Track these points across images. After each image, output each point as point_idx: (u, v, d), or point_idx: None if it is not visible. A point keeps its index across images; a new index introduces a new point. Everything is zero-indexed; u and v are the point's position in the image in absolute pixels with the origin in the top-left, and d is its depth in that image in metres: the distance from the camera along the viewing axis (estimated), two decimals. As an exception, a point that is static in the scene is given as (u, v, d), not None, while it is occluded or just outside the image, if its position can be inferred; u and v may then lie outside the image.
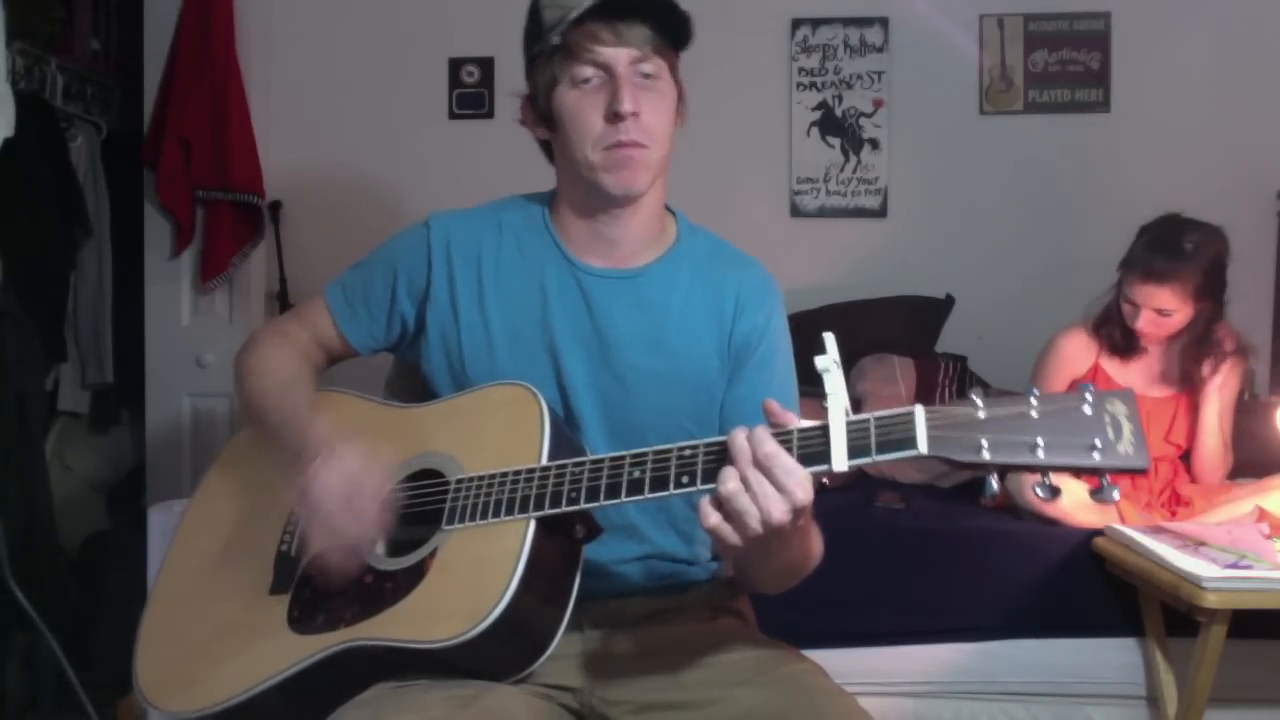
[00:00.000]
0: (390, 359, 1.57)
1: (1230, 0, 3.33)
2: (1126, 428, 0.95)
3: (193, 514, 1.39)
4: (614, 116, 1.25)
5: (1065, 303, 2.53)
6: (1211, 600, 1.76)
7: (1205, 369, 2.35)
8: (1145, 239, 2.34)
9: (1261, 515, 2.11)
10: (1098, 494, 0.97)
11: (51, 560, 2.63)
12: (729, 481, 1.01)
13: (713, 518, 1.02)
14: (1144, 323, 2.33)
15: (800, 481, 1.00)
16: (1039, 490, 0.98)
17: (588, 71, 1.26)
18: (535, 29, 1.31)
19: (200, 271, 3.24)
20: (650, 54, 1.27)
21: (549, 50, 1.27)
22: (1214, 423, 2.38)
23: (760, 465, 1.01)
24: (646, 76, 1.27)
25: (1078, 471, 0.96)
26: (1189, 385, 2.40)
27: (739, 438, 1.02)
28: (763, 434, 1.02)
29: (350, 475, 1.16)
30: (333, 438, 1.20)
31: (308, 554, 1.21)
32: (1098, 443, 0.94)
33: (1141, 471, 0.95)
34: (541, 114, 1.33)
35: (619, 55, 1.25)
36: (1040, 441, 0.95)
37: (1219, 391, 2.38)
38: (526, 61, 1.34)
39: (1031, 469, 0.97)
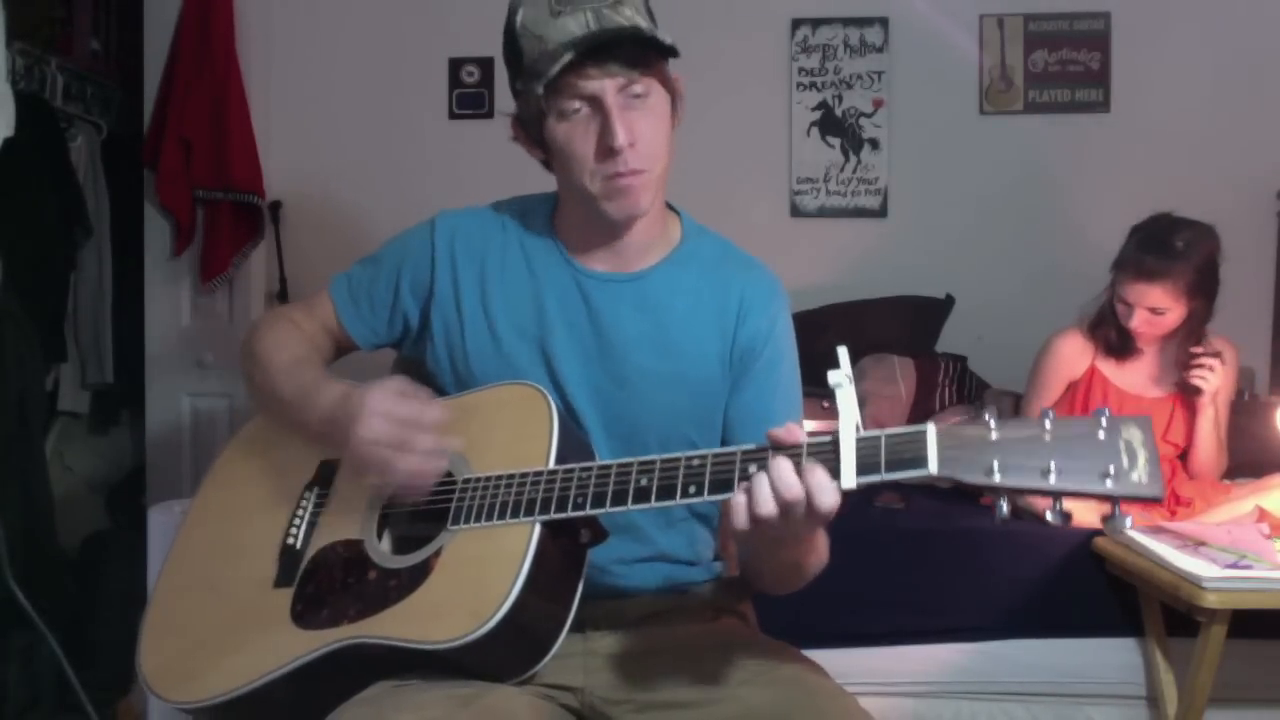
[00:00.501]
0: (390, 358, 1.57)
1: (1230, 0, 3.33)
2: (1141, 456, 0.92)
3: (198, 507, 1.39)
4: (608, 151, 1.22)
5: (1065, 303, 2.53)
6: (1211, 600, 1.76)
7: (1196, 377, 2.34)
8: (1137, 238, 2.33)
9: (1261, 515, 2.11)
10: (1109, 522, 0.94)
11: (51, 560, 2.64)
12: (768, 504, 1.01)
13: (744, 522, 1.02)
14: (1138, 322, 2.33)
15: (835, 501, 1.02)
16: (1050, 516, 0.95)
17: (575, 104, 1.22)
18: (514, 57, 1.27)
19: (200, 272, 3.25)
20: (637, 77, 1.22)
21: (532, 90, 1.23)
22: (1209, 430, 2.38)
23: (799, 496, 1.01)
24: (636, 96, 1.23)
25: (1089, 499, 0.94)
26: (1184, 391, 2.40)
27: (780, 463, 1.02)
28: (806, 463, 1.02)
29: (393, 416, 1.16)
30: (356, 392, 1.19)
31: (382, 497, 1.22)
32: (1111, 470, 0.92)
33: (1156, 501, 0.92)
34: (534, 138, 1.30)
35: (605, 86, 1.21)
36: (1053, 466, 0.93)
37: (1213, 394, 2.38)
38: (511, 88, 1.31)
39: (1043, 494, 0.95)
